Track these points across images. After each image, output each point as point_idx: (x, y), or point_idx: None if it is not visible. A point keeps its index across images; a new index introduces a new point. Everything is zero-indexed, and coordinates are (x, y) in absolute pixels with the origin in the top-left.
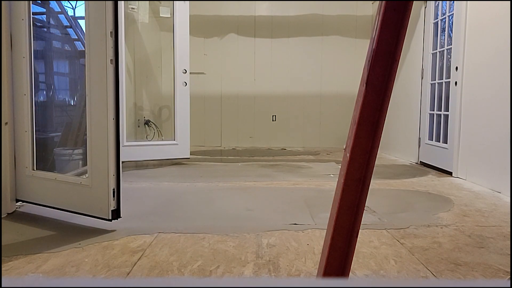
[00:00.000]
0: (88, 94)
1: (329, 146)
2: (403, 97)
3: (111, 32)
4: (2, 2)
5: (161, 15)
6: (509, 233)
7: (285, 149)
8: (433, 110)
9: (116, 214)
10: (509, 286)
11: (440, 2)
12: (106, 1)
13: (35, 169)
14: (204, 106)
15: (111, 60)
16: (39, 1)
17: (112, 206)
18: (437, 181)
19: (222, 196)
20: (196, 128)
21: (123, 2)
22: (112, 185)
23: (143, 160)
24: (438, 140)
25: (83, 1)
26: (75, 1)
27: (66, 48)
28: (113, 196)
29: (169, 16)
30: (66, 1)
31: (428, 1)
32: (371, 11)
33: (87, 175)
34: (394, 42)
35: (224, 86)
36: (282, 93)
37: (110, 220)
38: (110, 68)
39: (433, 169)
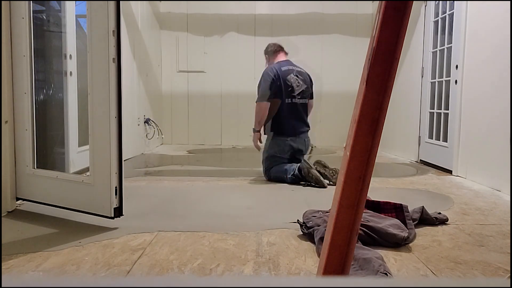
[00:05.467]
0: (90, 92)
1: (329, 145)
2: (403, 95)
3: (113, 31)
4: (2, 2)
5: None
6: (509, 232)
7: None
8: (433, 109)
9: (118, 212)
10: (509, 285)
11: (441, 1)
12: (109, 1)
13: (35, 167)
14: (204, 104)
15: (113, 58)
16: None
17: (115, 204)
18: (437, 180)
19: (222, 194)
20: (196, 127)
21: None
22: (115, 183)
23: None
24: (438, 138)
25: (85, 0)
26: (76, 0)
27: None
28: (116, 194)
29: None
30: (67, 1)
31: (428, 0)
32: (371, 9)
33: (88, 173)
34: (394, 41)
35: (224, 85)
36: None
37: (113, 218)
38: (113, 67)
39: (433, 167)
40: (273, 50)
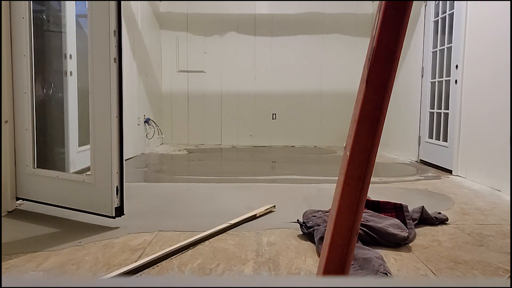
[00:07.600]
0: (91, 92)
1: (329, 144)
2: (403, 95)
3: (114, 31)
4: (2, 2)
5: None
6: (509, 231)
7: (285, 147)
8: (433, 109)
9: (119, 211)
10: (509, 285)
11: (441, 1)
12: (110, 1)
13: (35, 167)
14: (204, 104)
15: (114, 59)
16: None
17: (116, 203)
18: (437, 180)
19: (222, 194)
20: (196, 127)
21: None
22: (116, 182)
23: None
24: (438, 138)
25: (86, 0)
26: (76, 0)
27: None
28: (117, 193)
29: None
30: (68, 0)
31: (428, 0)
32: (371, 9)
33: (89, 173)
34: (394, 41)
35: (224, 85)
36: (282, 92)
37: (114, 217)
38: (114, 67)
39: (433, 167)
40: None
